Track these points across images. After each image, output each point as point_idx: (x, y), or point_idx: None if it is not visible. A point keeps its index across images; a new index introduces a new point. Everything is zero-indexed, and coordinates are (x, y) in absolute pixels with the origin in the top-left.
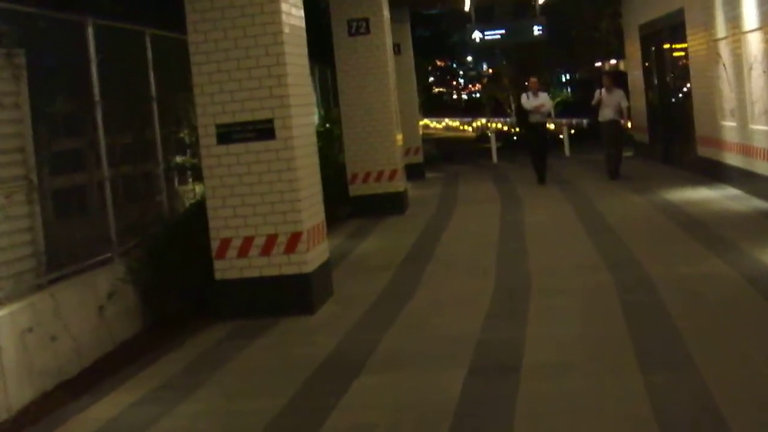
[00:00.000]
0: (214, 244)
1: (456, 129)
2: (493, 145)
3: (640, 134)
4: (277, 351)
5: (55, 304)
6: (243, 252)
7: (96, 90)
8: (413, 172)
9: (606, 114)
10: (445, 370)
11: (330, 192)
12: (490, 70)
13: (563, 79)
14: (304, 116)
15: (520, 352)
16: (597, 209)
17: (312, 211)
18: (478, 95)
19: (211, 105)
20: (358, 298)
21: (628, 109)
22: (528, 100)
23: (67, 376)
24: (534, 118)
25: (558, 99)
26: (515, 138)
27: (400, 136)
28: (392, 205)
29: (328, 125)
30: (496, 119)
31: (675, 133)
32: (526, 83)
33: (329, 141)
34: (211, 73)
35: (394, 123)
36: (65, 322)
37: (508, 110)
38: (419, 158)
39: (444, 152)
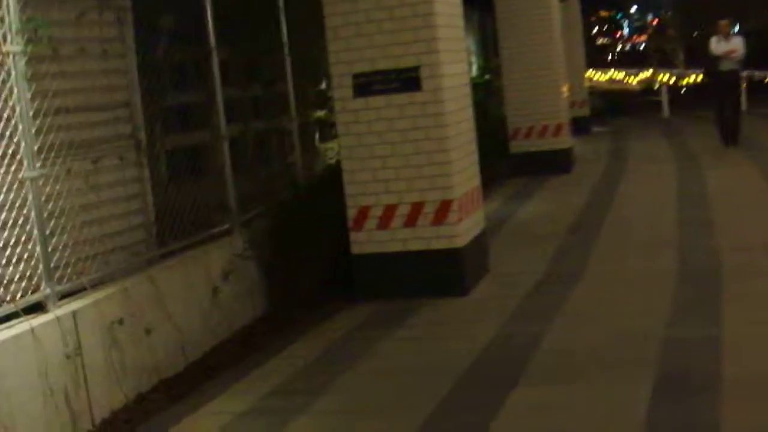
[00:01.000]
0: (351, 214)
1: (620, 81)
2: (664, 97)
3: None
4: (419, 346)
5: (154, 289)
6: (384, 223)
7: (211, 35)
8: (579, 127)
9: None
10: (625, 382)
11: (488, 148)
12: (656, 21)
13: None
14: (456, 64)
15: (717, 355)
16: None
17: (465, 174)
18: (642, 47)
19: (345, 51)
20: (518, 277)
21: None
22: (718, 45)
23: (170, 373)
24: (725, 66)
25: None
26: (683, 91)
27: (566, 88)
28: (557, 163)
29: (487, 76)
30: (662, 70)
31: None
32: (716, 26)
33: (488, 93)
34: (346, 14)
35: (559, 73)
36: (168, 310)
37: (675, 61)
38: (585, 111)
39: (610, 105)
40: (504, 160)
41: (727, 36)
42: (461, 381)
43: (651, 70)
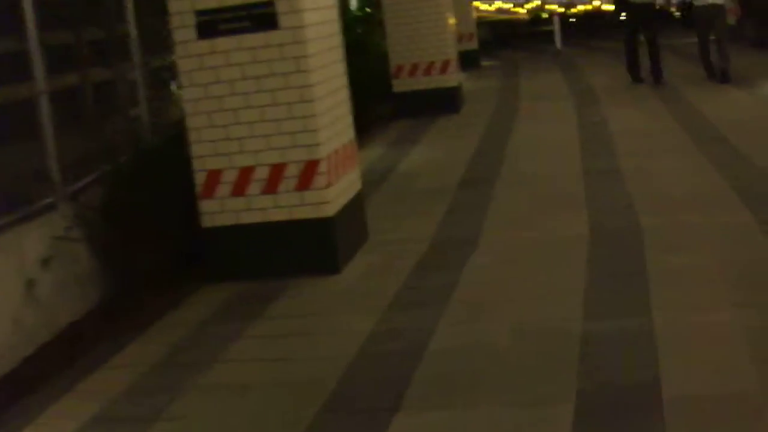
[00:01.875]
0: (199, 179)
1: (508, 11)
2: (557, 28)
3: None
4: (278, 349)
5: None
6: (239, 189)
7: None
8: (467, 61)
9: None
10: (538, 403)
11: (370, 88)
12: None
13: None
14: None
15: (652, 362)
16: (698, 110)
17: (335, 128)
18: None
19: None
20: (402, 246)
21: None
22: None
23: None
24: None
25: None
26: (573, 20)
27: (452, 21)
28: (445, 102)
29: (368, 9)
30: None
31: None
32: None
33: (370, 27)
34: None
35: (445, 5)
36: None
37: None
38: (473, 45)
39: (500, 36)
40: (387, 101)
41: None
42: (328, 403)
43: (539, 1)
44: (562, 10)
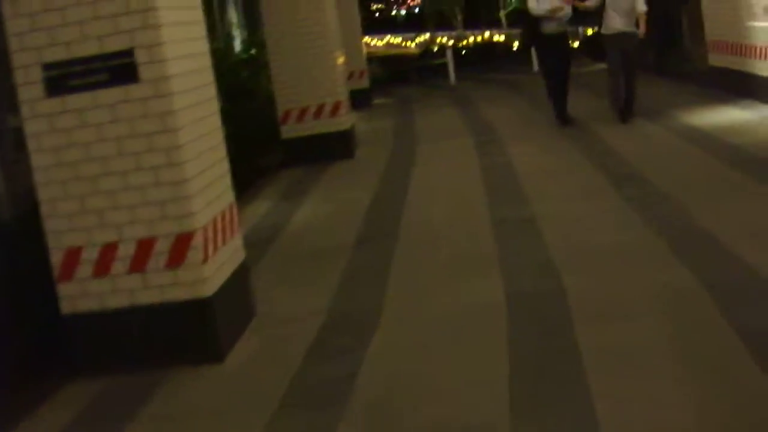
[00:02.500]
0: (55, 258)
1: (398, 46)
2: (450, 62)
3: None
4: None
5: None
6: (102, 269)
7: None
8: (358, 100)
9: (613, 23)
10: None
11: (257, 135)
12: None
13: None
14: (189, 42)
15: None
16: (610, 146)
17: (211, 193)
18: (417, 10)
19: (31, 33)
20: (292, 324)
21: (648, 14)
22: (538, 3)
23: None
24: (549, 28)
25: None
26: (464, 52)
27: (341, 59)
28: (337, 147)
29: (253, 50)
30: (441, 33)
31: (671, 36)
32: None
33: (256, 69)
34: None
35: (333, 42)
36: None
37: (454, 22)
38: (364, 83)
39: (391, 72)
40: (275, 149)
41: None
42: None
43: (428, 34)
44: (451, 43)
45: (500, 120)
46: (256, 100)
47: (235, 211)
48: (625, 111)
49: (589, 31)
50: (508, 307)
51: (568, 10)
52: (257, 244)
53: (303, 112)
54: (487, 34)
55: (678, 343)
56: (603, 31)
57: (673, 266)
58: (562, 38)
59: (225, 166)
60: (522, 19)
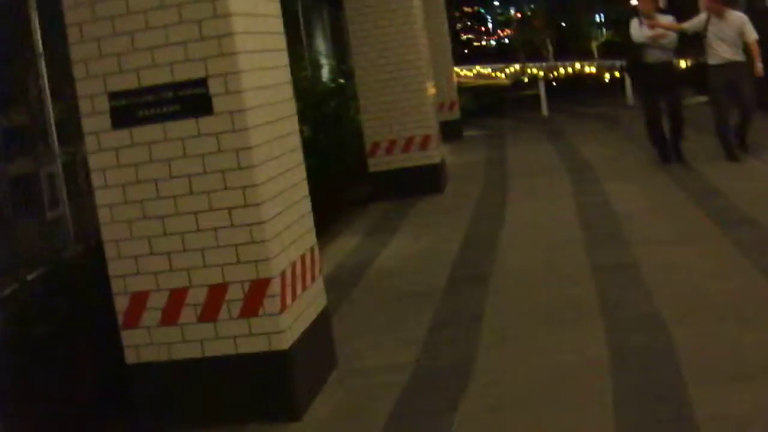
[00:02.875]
0: (120, 304)
1: (488, 76)
2: (542, 94)
3: None
4: None
5: None
6: (170, 316)
7: None
8: (449, 132)
9: (718, 51)
10: None
11: (343, 167)
12: (518, 14)
13: (597, 20)
14: (267, 71)
15: None
16: (714, 186)
17: (290, 235)
18: (507, 41)
19: (97, 60)
20: (377, 377)
21: (759, 42)
22: (640, 29)
23: None
24: (652, 57)
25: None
26: (555, 83)
27: (432, 90)
28: (427, 181)
29: (341, 80)
30: (531, 63)
31: None
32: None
33: (344, 100)
34: (94, 3)
35: (424, 73)
36: None
37: (545, 53)
38: (455, 114)
39: (482, 103)
40: (363, 182)
41: (651, 16)
42: None
43: (519, 64)
44: (542, 74)
45: (596, 156)
46: (343, 131)
47: (316, 254)
48: (733, 147)
49: (683, 63)
50: (612, 364)
51: (672, 36)
52: (340, 285)
53: (391, 145)
54: (578, 65)
55: None
56: (709, 61)
57: None
58: (667, 67)
59: (306, 206)
60: (625, 49)
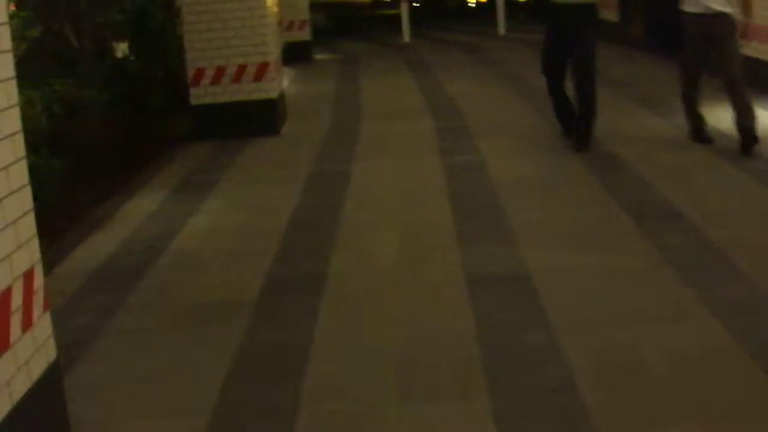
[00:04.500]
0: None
1: None
2: (405, 17)
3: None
4: None
5: None
6: None
7: None
8: (297, 54)
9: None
10: None
11: (162, 97)
12: None
13: None
14: None
15: None
16: (630, 169)
17: None
18: None
19: None
20: None
21: None
22: None
23: None
24: None
25: None
26: (416, 3)
27: (274, 7)
28: (260, 121)
29: None
30: None
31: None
32: None
33: (169, 14)
34: None
35: None
36: None
37: None
38: (305, 35)
39: (336, 22)
40: (182, 114)
41: None
42: None
43: None
44: None
45: (465, 97)
46: (168, 52)
47: (38, 279)
48: (701, 124)
49: None
50: None
51: None
52: (115, 281)
53: (219, 73)
54: None
55: None
56: (685, 6)
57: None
58: (587, 11)
59: (19, 207)
60: None
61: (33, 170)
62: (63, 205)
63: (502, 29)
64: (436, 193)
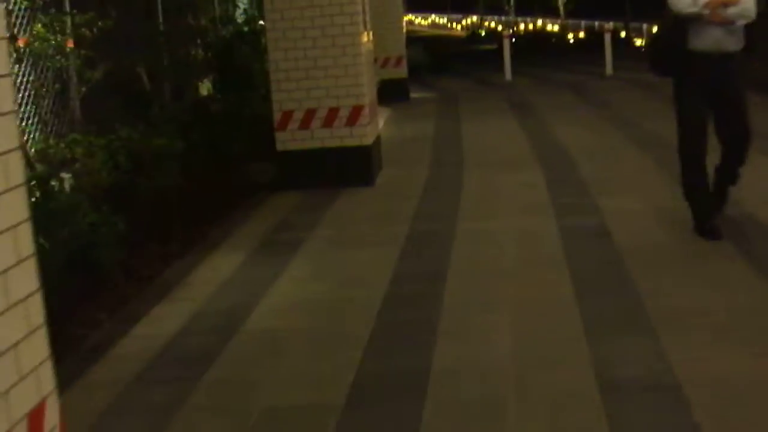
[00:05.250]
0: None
1: (443, 27)
2: (506, 54)
3: None
4: None
5: None
6: None
7: None
8: (393, 92)
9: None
10: None
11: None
12: None
13: None
14: None
15: None
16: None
17: None
18: None
19: None
20: None
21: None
22: None
23: None
24: (705, 43)
25: None
26: (515, 40)
27: (369, 45)
28: (352, 170)
29: (261, 22)
30: (490, 17)
31: None
32: None
33: (257, 48)
34: None
35: (359, 22)
36: None
37: (507, 6)
38: (402, 72)
39: (434, 58)
40: (266, 161)
41: None
42: None
43: (477, 16)
44: (508, 31)
45: (576, 145)
46: (253, 90)
47: (51, 417)
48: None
49: None
50: None
51: (748, 5)
52: (181, 364)
53: (309, 116)
54: (539, 22)
55: None
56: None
57: None
58: (730, 63)
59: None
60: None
61: (93, 229)
62: (128, 268)
63: (609, 69)
64: (554, 266)
